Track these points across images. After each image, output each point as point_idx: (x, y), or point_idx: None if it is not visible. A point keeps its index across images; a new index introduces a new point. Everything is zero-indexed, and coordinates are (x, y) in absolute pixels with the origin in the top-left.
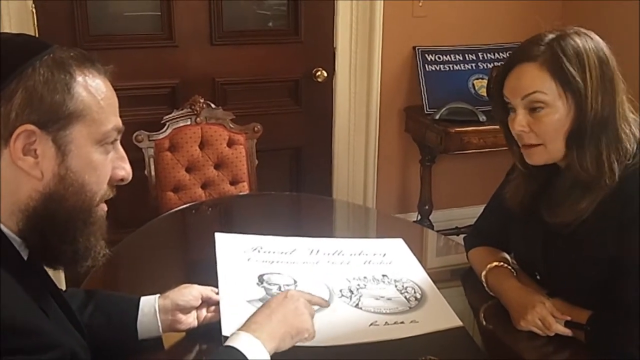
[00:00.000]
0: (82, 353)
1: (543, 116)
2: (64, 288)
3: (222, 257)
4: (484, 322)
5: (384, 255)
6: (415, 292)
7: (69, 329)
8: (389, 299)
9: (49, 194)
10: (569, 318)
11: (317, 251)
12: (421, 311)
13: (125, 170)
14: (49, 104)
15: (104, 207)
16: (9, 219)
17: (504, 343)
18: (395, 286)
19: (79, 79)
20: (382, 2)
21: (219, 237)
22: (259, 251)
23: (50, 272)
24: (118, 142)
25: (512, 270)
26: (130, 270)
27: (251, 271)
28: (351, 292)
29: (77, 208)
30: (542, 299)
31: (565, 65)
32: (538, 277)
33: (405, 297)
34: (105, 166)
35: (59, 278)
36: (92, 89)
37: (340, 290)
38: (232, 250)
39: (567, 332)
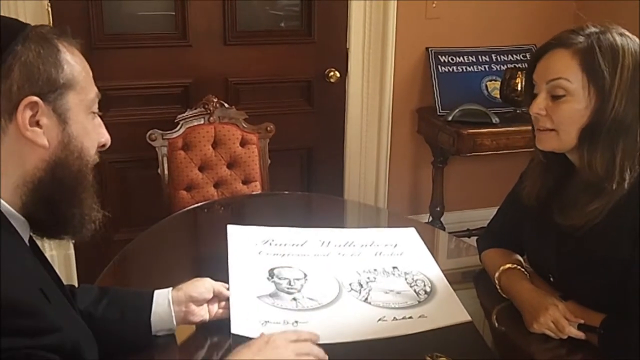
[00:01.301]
0: (83, 342)
1: (562, 103)
2: (76, 284)
3: (234, 250)
4: (497, 324)
5: (395, 245)
6: (425, 286)
7: (72, 317)
8: (398, 292)
9: (55, 161)
10: (582, 321)
11: (328, 243)
12: (430, 305)
13: (105, 137)
14: (47, 76)
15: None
16: (13, 194)
17: (516, 345)
18: (405, 279)
19: (63, 50)
20: (396, 3)
21: (231, 229)
22: (270, 244)
23: (62, 269)
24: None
25: (526, 272)
26: (142, 267)
27: (262, 265)
28: (361, 285)
29: (80, 172)
30: (555, 302)
31: (597, 58)
32: (551, 279)
33: (415, 291)
34: (94, 131)
35: (71, 274)
36: (76, 59)
37: (350, 284)
38: (243, 243)
39: (580, 335)
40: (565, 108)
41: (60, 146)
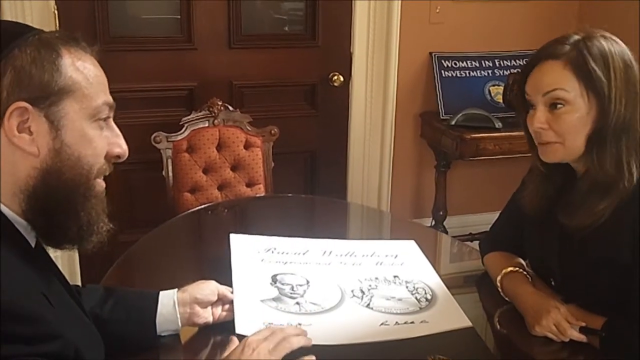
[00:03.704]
0: (86, 347)
1: (563, 114)
2: (79, 285)
3: (237, 257)
4: (499, 327)
5: (396, 256)
6: (425, 293)
7: (77, 321)
8: (399, 299)
9: (46, 169)
10: (583, 324)
11: (330, 252)
12: (431, 311)
13: (121, 148)
14: (38, 81)
15: (102, 183)
16: (12, 201)
17: (518, 348)
18: (406, 287)
19: (66, 56)
20: (400, 7)
21: (234, 238)
22: (272, 252)
23: (66, 270)
24: (111, 120)
25: (528, 275)
26: (146, 269)
27: (265, 271)
28: (362, 292)
29: (76, 182)
30: (557, 305)
31: (590, 64)
32: (553, 282)
33: (416, 298)
34: (100, 140)
35: (75, 274)
36: (79, 65)
37: (352, 291)
38: (246, 251)
39: (581, 338)
40: (566, 118)
41: (51, 153)
